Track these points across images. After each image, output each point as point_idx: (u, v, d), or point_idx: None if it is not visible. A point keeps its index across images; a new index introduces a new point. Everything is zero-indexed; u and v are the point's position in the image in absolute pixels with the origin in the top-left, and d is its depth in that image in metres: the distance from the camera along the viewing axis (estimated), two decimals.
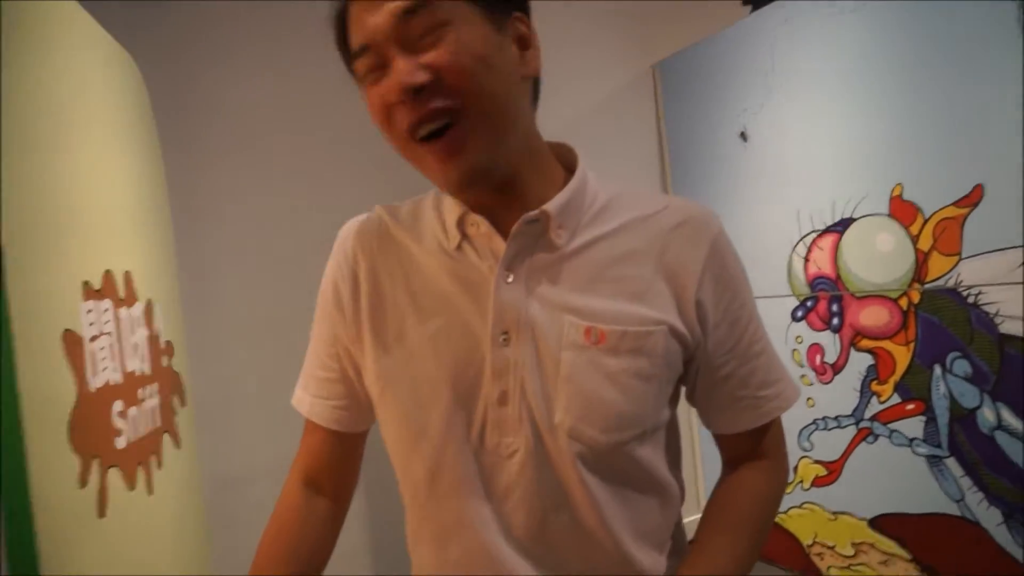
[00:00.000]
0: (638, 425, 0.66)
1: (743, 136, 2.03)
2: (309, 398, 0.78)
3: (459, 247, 0.69)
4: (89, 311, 1.00)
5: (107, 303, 1.07)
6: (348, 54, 0.64)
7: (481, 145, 0.60)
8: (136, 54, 1.36)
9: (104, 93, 1.20)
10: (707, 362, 0.71)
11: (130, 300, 1.17)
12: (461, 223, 0.68)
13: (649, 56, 2.31)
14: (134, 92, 1.36)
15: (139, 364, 1.18)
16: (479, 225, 0.67)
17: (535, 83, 0.69)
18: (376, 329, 0.71)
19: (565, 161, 0.73)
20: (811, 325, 1.87)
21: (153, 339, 1.27)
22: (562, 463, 0.65)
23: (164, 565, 1.21)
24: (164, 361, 1.33)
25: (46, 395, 0.87)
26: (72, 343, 0.94)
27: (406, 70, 0.57)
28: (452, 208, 0.69)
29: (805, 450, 1.87)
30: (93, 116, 1.13)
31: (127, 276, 1.17)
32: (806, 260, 1.89)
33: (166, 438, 1.30)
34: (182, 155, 1.76)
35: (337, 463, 0.79)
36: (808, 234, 1.87)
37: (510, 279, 0.66)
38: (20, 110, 0.89)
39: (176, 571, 1.26)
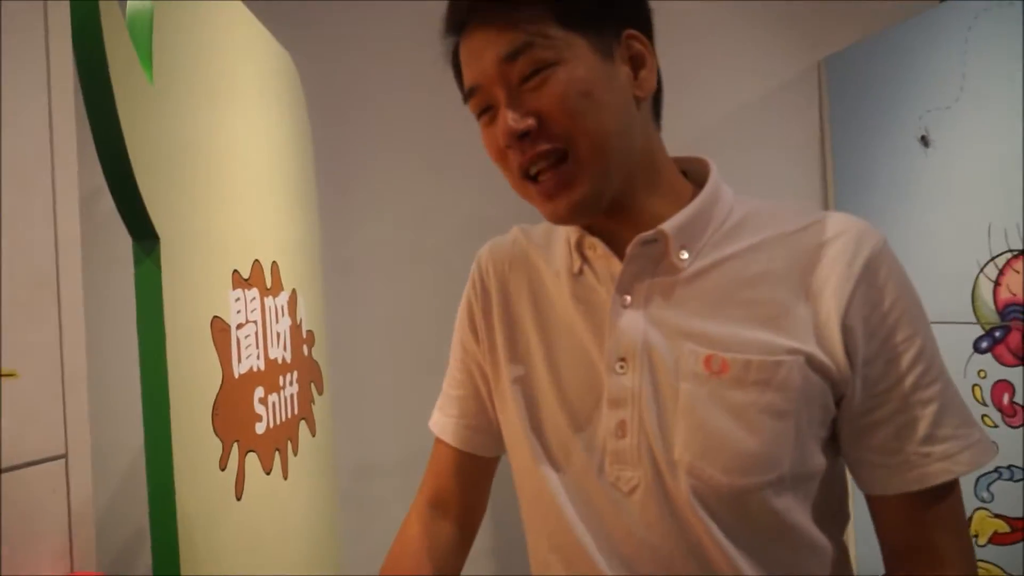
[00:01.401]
0: (770, 469, 0.57)
1: (924, 140, 1.80)
2: (442, 417, 0.78)
3: (581, 271, 0.66)
4: (237, 299, 1.03)
5: (254, 292, 1.10)
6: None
7: (586, 181, 0.58)
8: (293, 52, 1.40)
9: (262, 90, 1.24)
10: (855, 404, 0.60)
11: (276, 290, 1.21)
12: (580, 245, 0.66)
13: (816, 50, 2.12)
14: (290, 89, 1.41)
15: (281, 352, 1.22)
16: (596, 247, 0.65)
17: (657, 97, 0.65)
18: (505, 348, 0.70)
19: (696, 176, 0.67)
20: (999, 358, 1.62)
21: (296, 328, 1.31)
22: (684, 504, 0.59)
23: (295, 548, 1.24)
24: (305, 350, 1.37)
25: (192, 379, 0.90)
26: (220, 330, 0.97)
27: (511, 117, 0.57)
28: (573, 230, 0.67)
29: (983, 501, 1.63)
30: (250, 113, 1.18)
31: (274, 266, 1.20)
32: (996, 284, 1.65)
33: (303, 425, 1.33)
34: (331, 151, 1.82)
35: (464, 486, 0.77)
36: (1001, 254, 1.63)
37: (627, 303, 0.62)
38: (181, 106, 0.93)
39: (306, 555, 1.29)
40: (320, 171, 1.60)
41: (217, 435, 0.96)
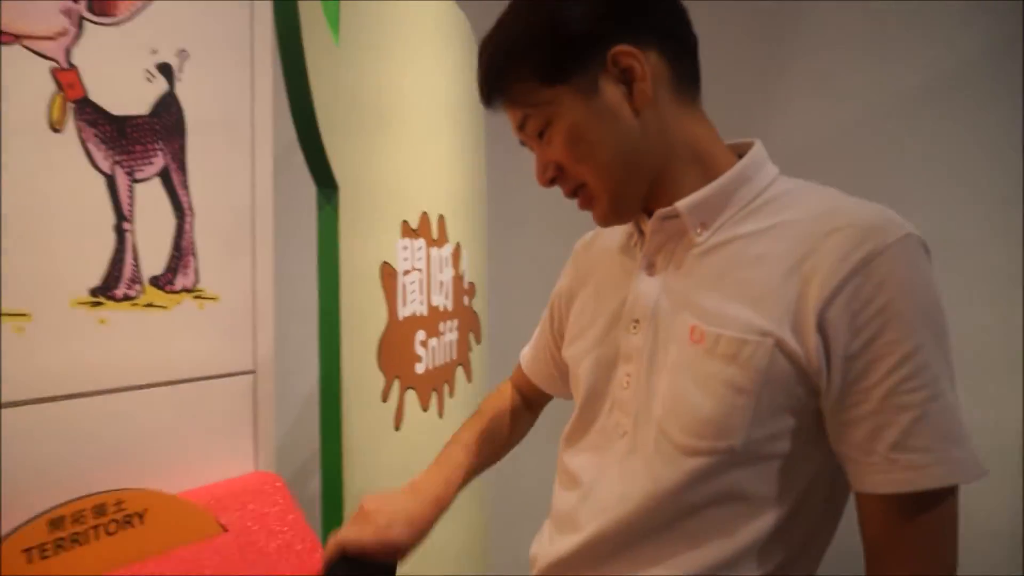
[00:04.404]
0: (721, 437, 0.61)
1: None
2: (528, 350, 0.98)
3: (636, 243, 0.74)
4: (405, 248, 1.11)
5: (421, 242, 1.18)
6: None
7: (604, 199, 0.68)
8: (468, 10, 1.45)
9: (437, 51, 1.30)
10: (833, 398, 0.60)
11: (441, 241, 1.29)
12: (638, 223, 0.74)
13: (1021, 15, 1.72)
14: (464, 49, 1.46)
15: (443, 300, 1.30)
16: (644, 223, 0.72)
17: (689, 72, 0.67)
18: (575, 324, 0.80)
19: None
20: None
21: (458, 279, 1.39)
22: (649, 455, 0.66)
23: None
24: (465, 300, 1.45)
25: (362, 316, 0.99)
26: (388, 275, 1.05)
27: (538, 171, 0.71)
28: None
29: None
30: (426, 74, 1.24)
31: (441, 219, 1.28)
32: None
33: (459, 371, 1.42)
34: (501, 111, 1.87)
35: (531, 395, 0.98)
36: None
37: (651, 272, 0.70)
38: (363, 67, 1.00)
39: None
40: (489, 130, 1.65)
41: (381, 370, 1.06)
